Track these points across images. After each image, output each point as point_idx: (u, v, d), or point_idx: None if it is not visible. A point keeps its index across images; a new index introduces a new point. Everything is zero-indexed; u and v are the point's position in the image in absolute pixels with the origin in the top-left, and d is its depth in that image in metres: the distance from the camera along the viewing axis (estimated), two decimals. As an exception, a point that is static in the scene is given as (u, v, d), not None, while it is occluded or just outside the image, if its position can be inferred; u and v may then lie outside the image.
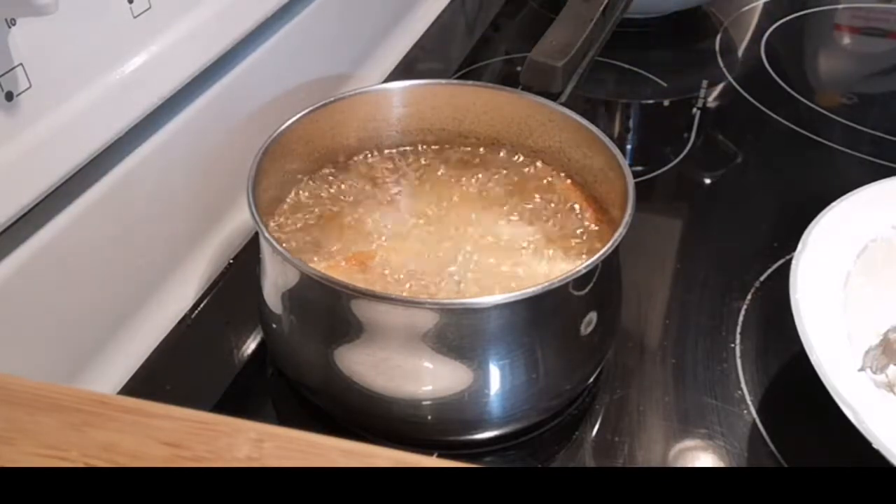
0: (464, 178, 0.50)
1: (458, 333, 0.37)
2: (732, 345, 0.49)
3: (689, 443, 0.44)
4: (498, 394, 0.39)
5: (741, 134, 0.69)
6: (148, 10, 0.44)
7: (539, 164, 0.51)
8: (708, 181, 0.64)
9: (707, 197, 0.63)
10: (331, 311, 0.39)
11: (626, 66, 0.76)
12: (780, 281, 0.45)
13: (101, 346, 0.46)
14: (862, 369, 0.41)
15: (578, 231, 0.46)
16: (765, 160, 0.66)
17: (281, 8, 0.56)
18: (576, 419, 0.45)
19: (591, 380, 0.45)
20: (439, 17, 0.82)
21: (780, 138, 0.68)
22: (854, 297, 0.45)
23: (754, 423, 0.44)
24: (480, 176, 0.50)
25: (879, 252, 0.48)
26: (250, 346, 0.49)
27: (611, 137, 0.45)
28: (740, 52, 0.81)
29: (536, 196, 0.49)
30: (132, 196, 0.46)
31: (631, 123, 0.72)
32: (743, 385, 0.46)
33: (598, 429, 0.44)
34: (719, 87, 0.75)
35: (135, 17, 0.44)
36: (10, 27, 0.36)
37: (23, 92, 0.37)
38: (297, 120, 0.46)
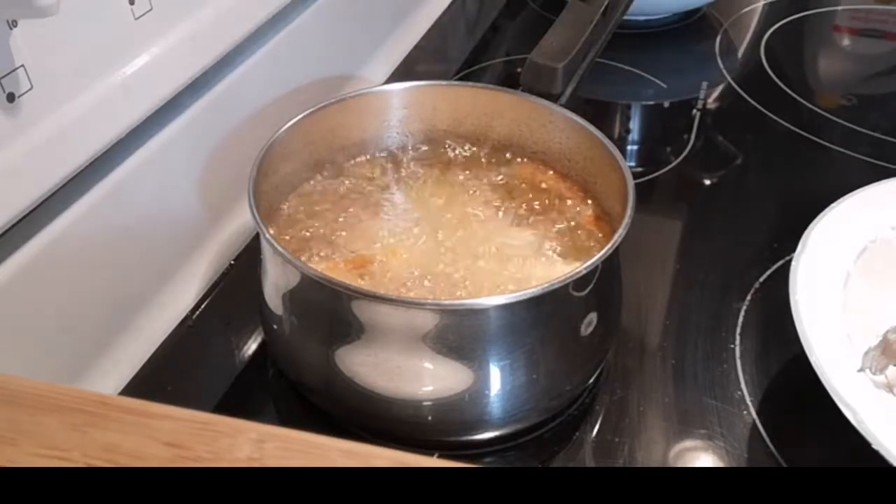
0: (464, 180, 0.50)
1: (458, 334, 0.37)
2: (732, 345, 0.49)
3: (689, 443, 0.44)
4: (498, 394, 0.40)
5: (741, 135, 0.69)
6: (149, 11, 0.44)
7: (539, 165, 0.51)
8: (708, 182, 0.64)
9: (707, 197, 0.63)
10: (331, 311, 0.39)
11: (627, 67, 0.76)
12: (780, 281, 0.45)
13: (103, 346, 0.46)
14: (861, 370, 0.41)
15: (578, 232, 0.46)
16: (764, 161, 0.66)
17: (282, 9, 0.57)
18: (576, 420, 0.45)
19: (592, 380, 0.45)
20: (440, 18, 0.82)
21: (780, 139, 0.68)
22: (854, 297, 0.45)
23: (754, 424, 0.44)
24: (480, 177, 0.50)
25: (879, 253, 0.48)
26: (251, 346, 0.49)
27: (611, 139, 0.45)
28: (740, 54, 0.81)
29: (536, 197, 0.49)
30: (133, 197, 0.46)
31: (631, 125, 0.72)
32: (743, 385, 0.46)
33: (599, 429, 0.44)
34: (719, 89, 0.75)
35: (136, 19, 0.44)
36: (11, 28, 0.36)
37: (24, 93, 0.38)
38: (298, 121, 0.46)
